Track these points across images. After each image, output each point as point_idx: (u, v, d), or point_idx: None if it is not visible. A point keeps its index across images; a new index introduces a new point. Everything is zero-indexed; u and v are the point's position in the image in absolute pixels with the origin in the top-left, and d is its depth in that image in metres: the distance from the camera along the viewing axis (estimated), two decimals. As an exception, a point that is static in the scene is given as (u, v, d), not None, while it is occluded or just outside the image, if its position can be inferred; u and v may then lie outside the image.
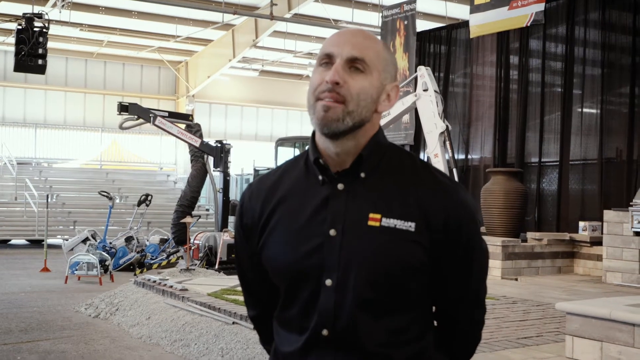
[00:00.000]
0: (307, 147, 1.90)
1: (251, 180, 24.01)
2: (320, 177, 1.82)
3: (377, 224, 1.75)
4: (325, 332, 1.75)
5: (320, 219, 1.78)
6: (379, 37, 1.97)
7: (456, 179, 11.17)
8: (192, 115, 17.29)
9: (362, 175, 1.80)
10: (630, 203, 10.86)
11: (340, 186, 1.79)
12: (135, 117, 14.88)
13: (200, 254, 14.03)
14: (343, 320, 1.73)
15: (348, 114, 1.74)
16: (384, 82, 1.82)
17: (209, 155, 15.55)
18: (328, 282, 1.74)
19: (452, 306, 1.84)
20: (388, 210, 1.76)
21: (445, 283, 1.81)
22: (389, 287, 1.73)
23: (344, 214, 1.77)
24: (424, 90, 12.34)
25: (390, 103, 1.85)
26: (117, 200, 21.39)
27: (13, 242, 22.26)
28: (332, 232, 1.76)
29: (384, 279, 1.72)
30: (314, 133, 1.84)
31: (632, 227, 10.70)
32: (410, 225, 1.74)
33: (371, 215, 1.76)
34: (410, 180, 1.81)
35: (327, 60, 1.78)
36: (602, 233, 11.57)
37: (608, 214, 11.23)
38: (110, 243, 15.57)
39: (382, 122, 12.40)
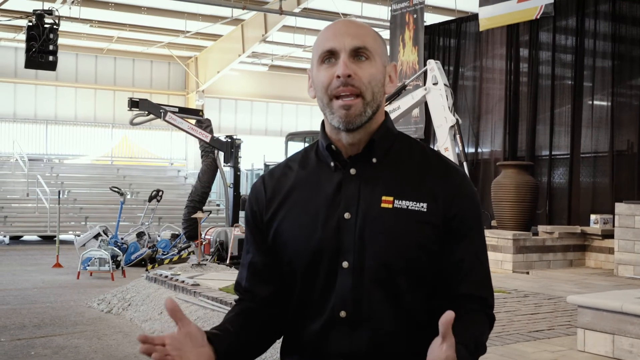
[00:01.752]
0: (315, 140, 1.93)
1: (261, 174, 24.07)
2: (332, 164, 1.85)
3: (390, 205, 1.78)
4: (343, 313, 1.77)
5: (335, 203, 1.81)
6: (387, 31, 1.95)
7: (466, 172, 11.16)
8: (202, 111, 17.34)
9: (374, 160, 1.83)
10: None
11: (352, 171, 1.83)
12: (146, 112, 14.93)
13: (212, 249, 14.07)
14: (360, 302, 1.75)
15: (367, 104, 1.78)
16: (385, 64, 1.85)
17: (220, 150, 15.59)
18: (345, 264, 1.77)
19: (458, 284, 1.82)
20: (400, 193, 1.79)
21: (450, 260, 1.81)
22: (404, 267, 1.75)
23: (358, 197, 1.80)
24: (434, 84, 12.32)
25: (393, 84, 1.88)
26: (128, 196, 21.45)
27: (25, 238, 22.38)
28: (346, 215, 1.79)
29: (399, 260, 1.75)
30: (323, 122, 1.88)
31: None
32: (422, 206, 1.78)
33: (384, 197, 1.79)
34: (420, 165, 1.85)
35: (329, 56, 1.80)
36: (613, 226, 11.54)
37: (619, 207, 11.19)
38: (122, 239, 15.61)
39: (392, 115, 12.41)
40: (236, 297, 2.00)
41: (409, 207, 1.77)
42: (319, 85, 1.81)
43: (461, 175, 1.86)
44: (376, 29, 1.90)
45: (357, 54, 1.78)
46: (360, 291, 1.76)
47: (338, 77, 1.76)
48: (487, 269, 1.87)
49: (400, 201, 1.78)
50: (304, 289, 1.83)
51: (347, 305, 1.76)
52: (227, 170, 16.07)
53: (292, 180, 1.90)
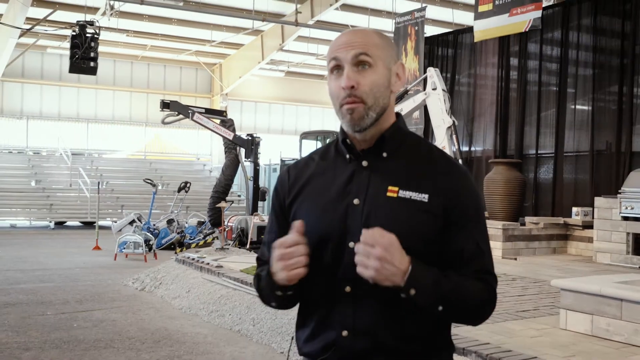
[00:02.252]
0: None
1: (278, 169, 24.12)
2: (347, 156, 1.86)
3: (395, 195, 1.78)
4: (347, 288, 1.78)
5: (347, 190, 1.82)
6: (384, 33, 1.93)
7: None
8: (225, 112, 17.33)
9: (384, 154, 1.83)
10: (619, 191, 10.81)
11: (364, 163, 1.83)
12: (176, 113, 14.91)
13: (233, 235, 14.09)
14: (363, 278, 1.73)
15: (369, 108, 1.78)
16: (390, 66, 1.83)
17: (241, 147, 15.59)
18: (351, 244, 1.77)
19: (459, 271, 1.78)
20: (405, 184, 1.78)
21: (451, 249, 1.79)
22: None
23: (367, 186, 1.80)
24: (433, 89, 12.28)
25: (402, 81, 1.87)
26: (160, 187, 21.45)
27: (68, 223, 22.49)
28: (355, 201, 1.80)
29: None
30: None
31: (620, 212, 10.65)
32: (424, 197, 1.77)
33: (390, 187, 1.79)
34: (426, 161, 1.84)
35: (336, 65, 1.81)
36: (593, 218, 11.51)
37: (598, 201, 11.17)
38: (154, 225, 15.66)
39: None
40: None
41: (412, 197, 1.77)
42: (331, 93, 1.83)
43: (463, 172, 1.85)
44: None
45: (360, 63, 1.78)
46: None
47: (343, 88, 1.77)
48: (489, 258, 1.84)
49: (404, 191, 1.77)
50: (315, 266, 1.82)
51: (352, 281, 1.75)
52: (248, 164, 16.06)
53: (312, 170, 1.92)
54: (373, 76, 1.78)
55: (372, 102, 1.77)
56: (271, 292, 1.85)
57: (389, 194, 1.78)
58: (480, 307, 1.80)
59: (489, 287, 1.81)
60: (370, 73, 1.78)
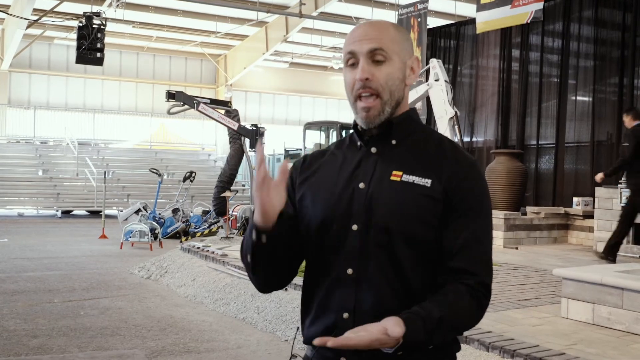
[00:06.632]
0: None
1: (282, 159, 24.11)
2: (358, 143, 1.85)
3: (398, 179, 1.76)
4: (349, 271, 1.75)
5: (354, 176, 1.81)
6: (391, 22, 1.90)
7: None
8: (230, 102, 17.26)
9: (393, 142, 1.82)
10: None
11: (373, 149, 1.83)
12: (181, 103, 14.86)
13: (238, 224, 14.08)
14: (365, 261, 1.73)
15: (385, 103, 1.77)
16: (405, 60, 1.82)
17: (245, 137, 15.54)
18: (354, 227, 1.76)
19: (451, 259, 1.73)
20: (409, 169, 1.77)
21: (447, 235, 1.74)
22: (403, 235, 1.72)
23: (373, 171, 1.80)
24: (436, 80, 12.23)
25: (415, 74, 1.85)
26: (165, 177, 21.46)
27: (75, 212, 22.51)
28: (361, 185, 1.79)
29: (398, 226, 1.72)
30: None
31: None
32: (426, 182, 1.75)
33: (394, 172, 1.77)
34: (434, 151, 1.82)
35: (351, 58, 1.79)
36: (593, 207, 11.48)
37: (599, 191, 11.12)
38: (159, 214, 15.65)
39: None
40: None
41: (415, 182, 1.75)
42: (346, 85, 1.82)
43: (470, 162, 1.81)
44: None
45: (375, 55, 1.76)
46: (366, 252, 1.74)
47: (358, 80, 1.76)
48: (486, 249, 1.78)
49: (408, 176, 1.76)
50: (318, 248, 1.81)
51: (354, 263, 1.74)
52: (252, 154, 16.01)
53: (326, 157, 1.93)
54: (388, 69, 1.77)
55: (388, 97, 1.77)
56: (249, 237, 1.77)
57: (392, 177, 1.77)
58: (470, 324, 1.75)
59: (478, 289, 1.72)
60: (385, 67, 1.77)
